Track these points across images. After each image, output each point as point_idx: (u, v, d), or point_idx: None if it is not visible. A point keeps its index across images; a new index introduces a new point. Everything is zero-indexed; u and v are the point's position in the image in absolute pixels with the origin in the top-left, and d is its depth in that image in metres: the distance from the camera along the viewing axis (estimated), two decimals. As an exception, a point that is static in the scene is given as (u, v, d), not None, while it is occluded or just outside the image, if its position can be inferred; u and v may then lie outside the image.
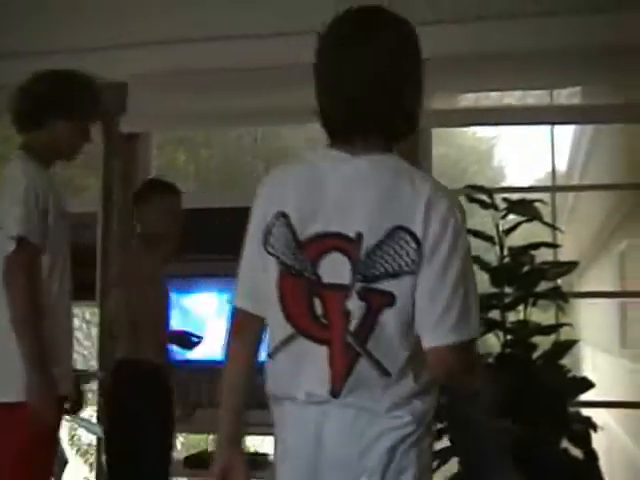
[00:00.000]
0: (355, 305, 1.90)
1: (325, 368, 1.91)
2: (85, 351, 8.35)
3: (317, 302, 1.93)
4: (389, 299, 1.89)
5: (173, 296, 4.53)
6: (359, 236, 1.90)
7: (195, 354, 4.44)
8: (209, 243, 5.11)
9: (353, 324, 1.89)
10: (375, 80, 1.93)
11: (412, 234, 1.88)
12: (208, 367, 4.40)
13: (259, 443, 5.88)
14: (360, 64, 1.92)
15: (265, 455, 4.35)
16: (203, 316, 4.48)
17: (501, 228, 4.06)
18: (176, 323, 4.47)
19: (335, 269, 1.92)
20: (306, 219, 1.95)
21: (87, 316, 8.51)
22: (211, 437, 4.67)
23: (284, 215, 1.95)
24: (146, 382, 3.76)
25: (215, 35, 5.04)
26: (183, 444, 6.65)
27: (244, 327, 2.08)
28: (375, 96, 1.93)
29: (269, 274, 1.98)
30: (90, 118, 3.39)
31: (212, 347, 4.42)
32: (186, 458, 4.38)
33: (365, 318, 1.89)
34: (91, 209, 5.23)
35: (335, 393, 1.91)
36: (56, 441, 3.36)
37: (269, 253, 1.98)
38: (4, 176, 3.21)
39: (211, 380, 4.35)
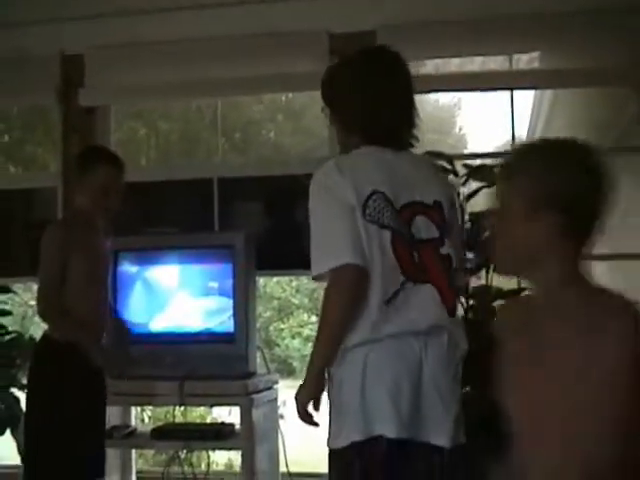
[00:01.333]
0: (449, 251, 2.54)
1: (438, 301, 2.48)
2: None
3: (415, 254, 2.48)
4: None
5: (134, 268, 4.53)
6: (436, 203, 2.56)
7: (158, 325, 4.44)
8: (170, 215, 5.10)
9: (454, 264, 2.56)
10: (410, 103, 2.67)
11: (455, 202, 2.70)
12: (171, 339, 4.41)
13: (225, 414, 5.90)
14: (402, 92, 2.65)
15: (232, 425, 4.36)
16: (165, 288, 4.47)
17: (462, 194, 4.07)
18: (139, 296, 4.47)
19: (424, 228, 2.51)
20: (396, 193, 2.49)
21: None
22: (178, 409, 4.66)
23: (379, 192, 2.46)
24: (55, 360, 3.66)
25: (172, 6, 5.00)
26: (150, 417, 6.65)
27: (361, 279, 2.39)
28: (412, 114, 2.66)
29: (373, 237, 2.42)
30: None
31: (175, 319, 4.43)
32: (153, 430, 4.39)
33: (451, 261, 2.56)
34: (51, 184, 5.19)
35: (451, 316, 2.52)
36: None
37: (368, 221, 2.42)
38: None
39: (174, 352, 4.35)
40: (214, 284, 4.43)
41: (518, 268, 1.94)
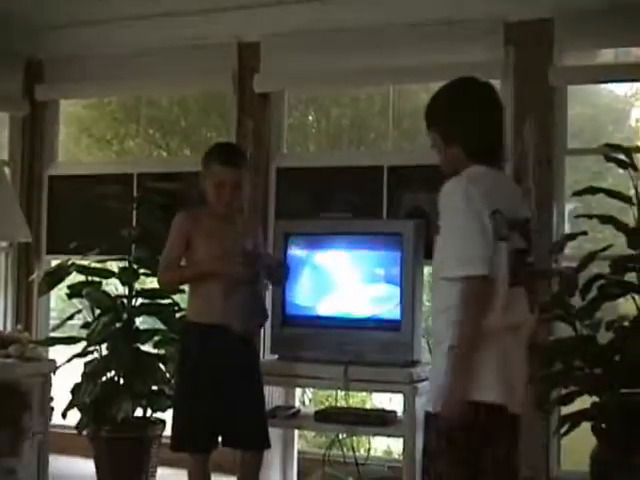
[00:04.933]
0: (531, 259, 2.89)
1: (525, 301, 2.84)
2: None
3: (516, 261, 2.80)
4: None
5: (304, 252, 4.61)
6: (527, 220, 2.90)
7: (325, 310, 4.52)
8: (339, 201, 5.15)
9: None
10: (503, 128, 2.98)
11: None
12: (337, 323, 4.47)
13: (385, 401, 5.94)
14: (500, 115, 2.94)
15: (394, 412, 4.38)
16: (333, 273, 4.52)
17: (640, 189, 3.97)
18: (307, 279, 4.56)
19: (519, 240, 2.82)
20: (508, 212, 2.78)
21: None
22: (340, 393, 4.71)
23: (499, 209, 2.74)
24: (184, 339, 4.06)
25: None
26: (310, 400, 6.75)
27: (491, 287, 2.72)
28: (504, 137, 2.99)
29: (496, 248, 2.73)
30: None
31: (341, 304, 4.48)
32: (316, 412, 4.46)
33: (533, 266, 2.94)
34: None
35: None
36: None
37: (494, 234, 2.72)
38: None
39: (340, 336, 4.41)
40: (380, 271, 4.45)
41: None
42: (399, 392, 4.24)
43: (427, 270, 4.54)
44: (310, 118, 6.66)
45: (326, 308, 4.52)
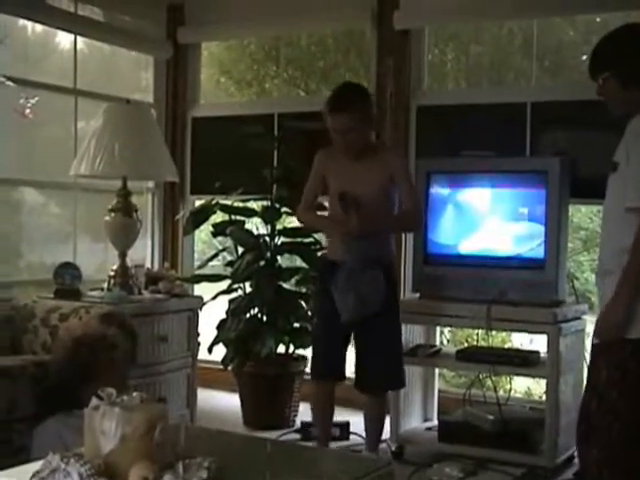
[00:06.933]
0: None
1: None
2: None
3: None
4: None
5: (446, 191, 4.57)
6: None
7: (467, 248, 4.48)
8: (480, 139, 5.06)
9: None
10: None
11: None
12: (480, 262, 4.43)
13: (525, 341, 5.88)
14: None
15: (537, 353, 4.33)
16: (476, 211, 4.47)
17: None
18: (449, 218, 4.53)
19: None
20: None
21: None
22: (480, 333, 4.68)
23: None
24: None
25: None
26: (448, 340, 6.73)
27: None
28: None
29: None
30: None
31: (484, 243, 4.43)
32: (458, 351, 4.44)
33: None
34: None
35: None
36: None
37: None
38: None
39: (482, 276, 4.37)
40: (524, 210, 4.37)
41: None
42: (543, 333, 4.18)
43: (570, 210, 4.48)
44: (451, 55, 6.55)
45: (468, 247, 4.49)
